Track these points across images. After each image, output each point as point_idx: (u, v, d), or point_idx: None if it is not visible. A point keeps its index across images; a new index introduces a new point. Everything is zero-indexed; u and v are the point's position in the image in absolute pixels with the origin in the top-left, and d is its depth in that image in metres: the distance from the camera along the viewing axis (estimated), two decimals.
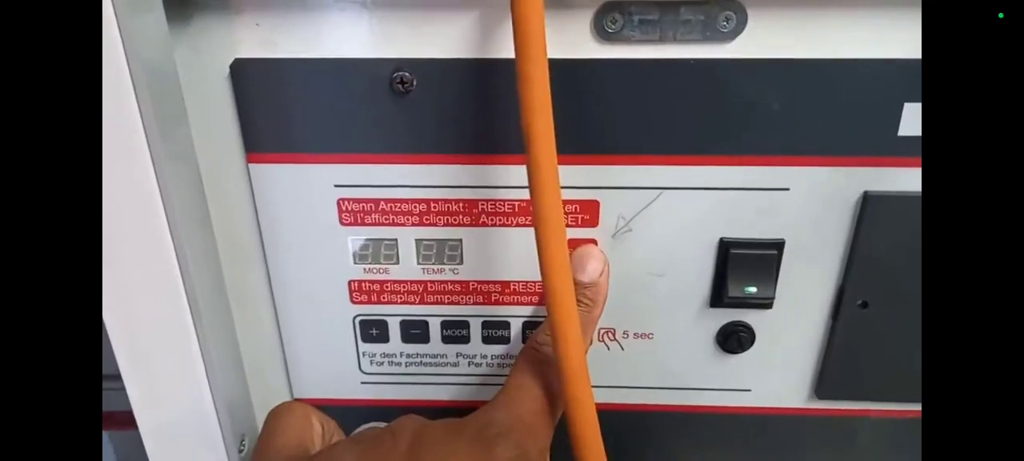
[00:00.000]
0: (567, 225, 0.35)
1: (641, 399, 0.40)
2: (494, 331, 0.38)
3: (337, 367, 0.40)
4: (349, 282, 0.37)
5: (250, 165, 0.34)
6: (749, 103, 0.32)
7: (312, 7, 0.31)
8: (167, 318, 0.33)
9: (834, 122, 0.32)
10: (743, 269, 0.35)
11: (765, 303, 0.36)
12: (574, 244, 0.35)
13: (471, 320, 0.38)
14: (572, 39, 0.31)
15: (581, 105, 0.32)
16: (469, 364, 0.40)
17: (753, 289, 0.35)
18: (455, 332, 0.39)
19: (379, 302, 0.38)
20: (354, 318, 0.38)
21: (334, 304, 0.38)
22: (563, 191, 0.29)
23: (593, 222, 0.35)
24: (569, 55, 0.31)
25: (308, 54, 0.32)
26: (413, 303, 0.38)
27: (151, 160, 0.29)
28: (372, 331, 0.39)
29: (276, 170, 0.34)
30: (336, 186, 0.34)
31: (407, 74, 0.31)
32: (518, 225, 0.35)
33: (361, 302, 0.38)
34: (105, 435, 0.70)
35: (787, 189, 0.34)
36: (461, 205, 0.35)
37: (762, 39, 0.31)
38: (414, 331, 0.39)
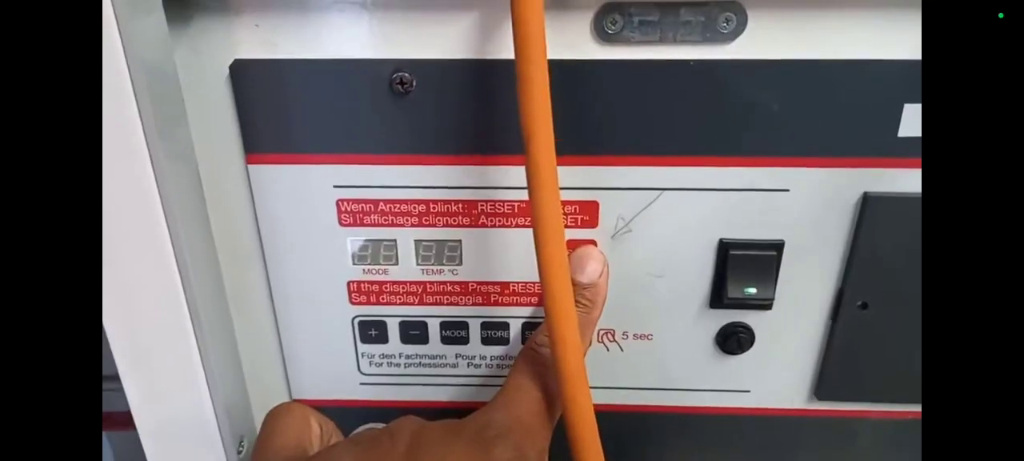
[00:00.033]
0: (567, 226, 0.35)
1: (640, 400, 0.40)
2: (493, 332, 0.38)
3: (336, 368, 0.40)
4: (348, 283, 0.37)
5: (249, 166, 0.34)
6: (749, 104, 0.32)
7: (312, 8, 0.31)
8: (166, 318, 0.33)
9: (834, 123, 0.32)
10: (743, 270, 0.35)
11: (765, 304, 0.36)
12: (574, 245, 0.35)
13: (470, 321, 0.38)
14: (572, 40, 0.31)
15: (581, 106, 0.32)
16: (468, 365, 0.40)
17: (753, 290, 0.35)
18: (454, 333, 0.38)
19: (378, 303, 0.38)
20: (353, 319, 0.38)
21: (333, 305, 0.38)
22: (563, 192, 0.29)
23: (592, 223, 0.35)
24: (569, 56, 0.31)
25: (308, 55, 0.32)
26: (412, 304, 0.38)
27: (150, 160, 0.29)
28: (371, 332, 0.39)
29: (275, 171, 0.34)
30: (335, 187, 0.34)
31: (407, 75, 0.31)
32: (517, 226, 0.35)
33: (360, 303, 0.38)
34: (104, 436, 0.70)
35: (787, 190, 0.34)
36: (460, 206, 0.35)
37: (762, 40, 0.31)
38: (413, 332, 0.38)
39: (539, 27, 0.27)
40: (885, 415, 0.40)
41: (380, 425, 0.35)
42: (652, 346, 0.38)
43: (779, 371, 0.39)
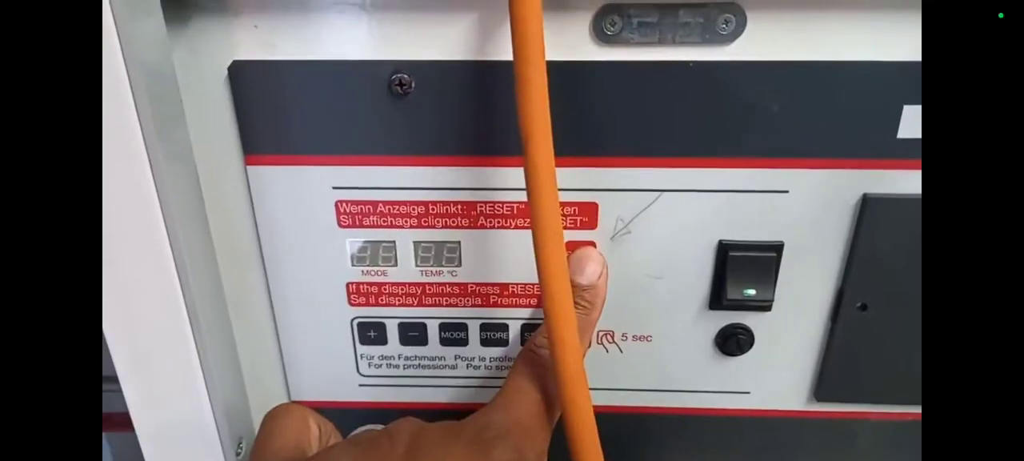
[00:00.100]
0: (566, 227, 0.35)
1: (640, 402, 0.40)
2: (492, 333, 0.38)
3: (335, 369, 0.40)
4: (347, 284, 0.37)
5: (248, 167, 0.34)
6: (748, 105, 0.31)
7: (310, 9, 0.31)
8: (164, 320, 0.33)
9: (833, 124, 0.32)
10: (742, 271, 0.35)
11: (764, 305, 0.35)
12: (573, 246, 0.35)
13: (469, 322, 0.38)
14: (571, 41, 0.31)
15: (580, 107, 0.32)
16: (467, 366, 0.40)
17: (752, 291, 0.35)
18: (453, 334, 0.38)
19: (377, 304, 0.38)
20: (352, 320, 0.38)
21: (332, 306, 0.38)
22: (562, 193, 0.29)
23: (592, 224, 0.35)
24: (568, 57, 0.31)
25: (306, 56, 0.31)
26: (411, 305, 0.38)
27: (149, 162, 0.29)
28: (370, 333, 0.39)
29: (274, 172, 0.34)
30: (334, 188, 0.34)
31: (405, 76, 0.31)
32: (517, 227, 0.35)
33: (359, 304, 0.38)
34: (103, 437, 0.70)
35: (786, 191, 0.34)
36: (459, 207, 0.35)
37: (761, 41, 0.31)
38: (412, 333, 0.38)
39: (538, 28, 0.27)
40: (885, 416, 0.40)
41: (379, 426, 0.35)
42: (651, 347, 0.38)
43: (779, 372, 0.39)
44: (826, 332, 0.37)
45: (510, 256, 0.36)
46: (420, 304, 0.38)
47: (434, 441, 0.31)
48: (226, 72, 0.32)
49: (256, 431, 0.38)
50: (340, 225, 0.35)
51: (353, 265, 0.36)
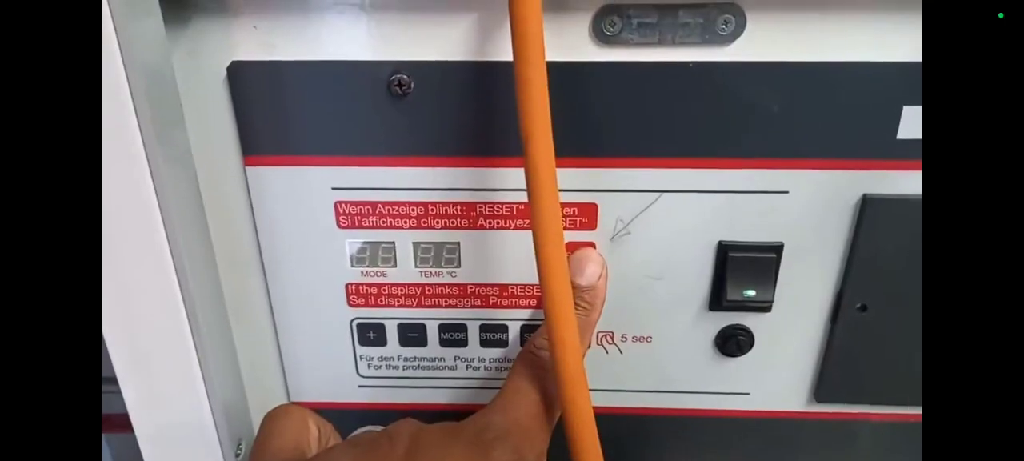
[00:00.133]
0: (565, 228, 0.35)
1: (639, 402, 0.40)
2: (492, 334, 0.38)
3: (334, 370, 0.40)
4: (346, 285, 0.37)
5: (247, 168, 0.34)
6: (748, 106, 0.31)
7: (310, 9, 0.31)
8: (164, 321, 0.33)
9: (833, 125, 0.32)
10: (742, 272, 0.35)
11: (764, 306, 0.35)
12: (572, 247, 0.35)
13: (469, 323, 0.38)
14: (571, 42, 0.31)
15: (579, 108, 0.32)
16: (467, 367, 0.40)
17: (752, 292, 0.35)
18: (453, 335, 0.38)
19: (376, 305, 0.38)
20: (351, 321, 0.38)
21: (331, 307, 0.38)
22: (561, 194, 0.29)
23: (591, 225, 0.35)
24: (568, 58, 0.31)
25: (306, 56, 0.31)
26: (411, 306, 0.38)
27: (148, 163, 0.29)
28: (369, 334, 0.38)
29: (273, 173, 0.34)
30: (334, 189, 0.34)
31: (405, 76, 0.31)
32: (516, 228, 0.35)
33: (358, 305, 0.38)
34: (103, 438, 0.70)
35: (786, 192, 0.33)
36: (459, 208, 0.35)
37: (761, 42, 0.31)
38: (412, 334, 0.38)
39: (537, 29, 0.27)
40: (885, 417, 0.40)
41: (378, 427, 0.35)
42: (651, 348, 0.38)
43: (779, 373, 0.39)
44: (826, 333, 0.37)
45: (510, 257, 0.36)
46: (419, 305, 0.37)
47: (434, 442, 0.31)
48: (225, 72, 0.32)
49: (255, 432, 0.38)
50: (339, 226, 0.35)
51: (352, 266, 0.36)
